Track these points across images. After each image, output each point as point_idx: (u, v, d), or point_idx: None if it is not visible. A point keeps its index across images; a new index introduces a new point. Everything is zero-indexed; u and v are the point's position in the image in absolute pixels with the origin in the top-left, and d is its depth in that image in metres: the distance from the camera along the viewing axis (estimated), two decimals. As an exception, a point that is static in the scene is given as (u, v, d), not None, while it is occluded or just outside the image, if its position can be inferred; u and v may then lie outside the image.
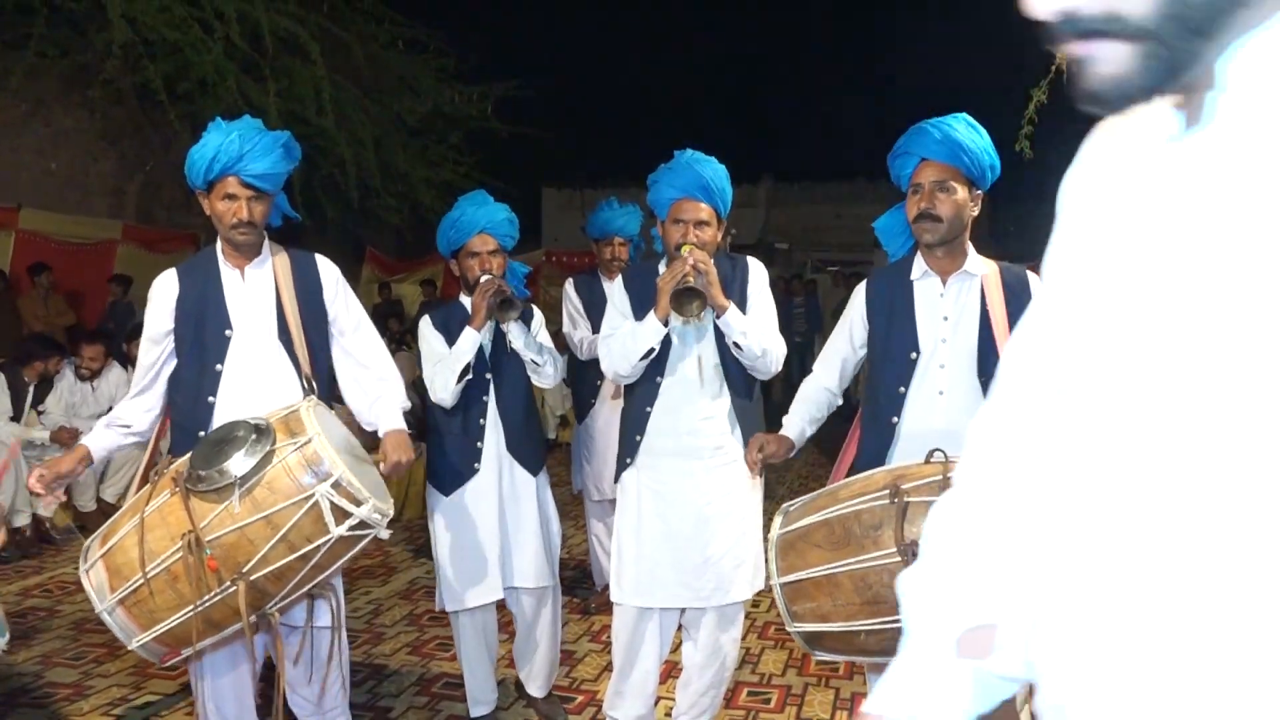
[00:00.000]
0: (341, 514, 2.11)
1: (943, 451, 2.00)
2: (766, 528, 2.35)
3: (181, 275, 2.53)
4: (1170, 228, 0.65)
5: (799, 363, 10.15)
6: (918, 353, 2.40)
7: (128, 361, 6.19)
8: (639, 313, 2.71)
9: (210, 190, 2.45)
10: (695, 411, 2.70)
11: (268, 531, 2.07)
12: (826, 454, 6.40)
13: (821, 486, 2.31)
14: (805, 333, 12.51)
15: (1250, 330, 0.58)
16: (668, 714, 3.08)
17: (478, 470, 3.02)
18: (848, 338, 2.61)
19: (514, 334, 3.03)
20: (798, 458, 3.36)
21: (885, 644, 1.84)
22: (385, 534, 2.24)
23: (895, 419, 2.39)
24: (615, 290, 2.86)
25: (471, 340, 2.93)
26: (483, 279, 2.96)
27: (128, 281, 9.22)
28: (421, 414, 3.51)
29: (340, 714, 2.61)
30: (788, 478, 7.01)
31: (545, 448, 3.24)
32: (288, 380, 2.49)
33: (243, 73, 9.62)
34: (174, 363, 2.53)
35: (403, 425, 2.61)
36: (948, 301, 2.41)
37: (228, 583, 2.08)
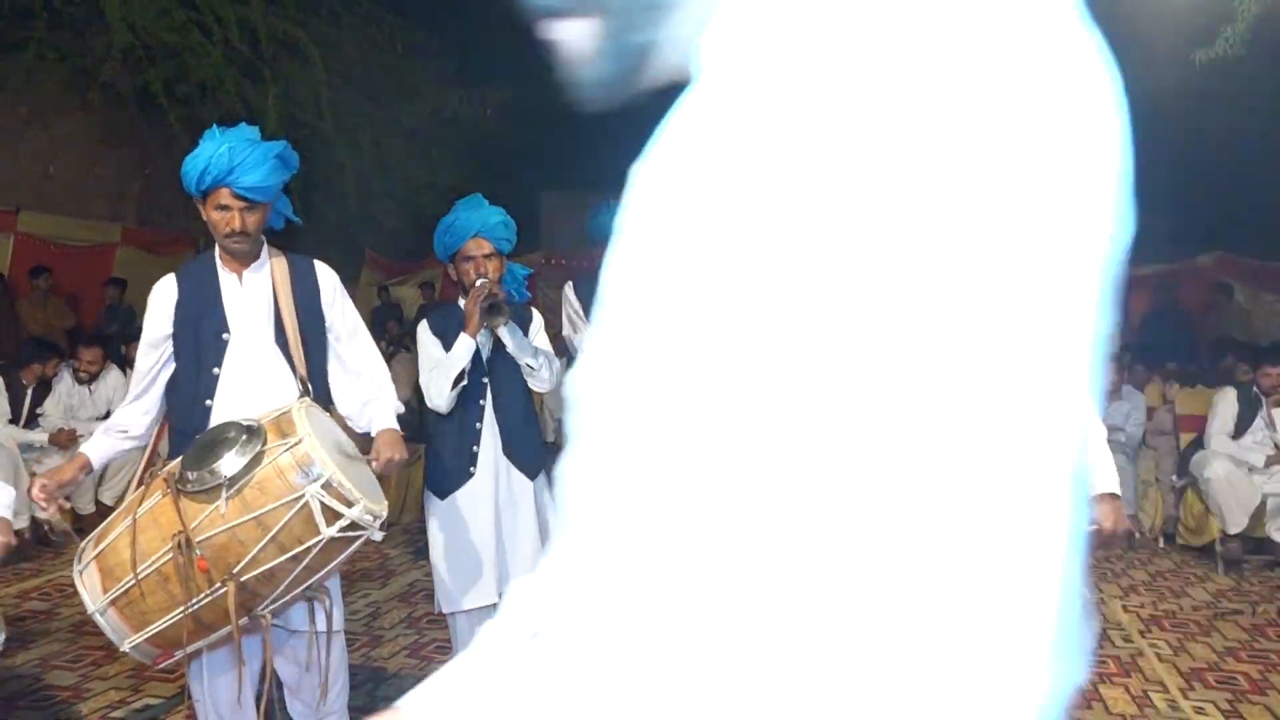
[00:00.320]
0: (332, 515, 2.11)
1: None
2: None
3: (180, 279, 2.54)
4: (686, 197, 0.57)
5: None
6: None
7: (126, 364, 6.20)
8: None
9: (205, 199, 2.45)
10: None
11: (258, 532, 2.07)
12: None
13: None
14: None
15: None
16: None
17: (473, 474, 3.02)
18: None
19: (506, 338, 3.03)
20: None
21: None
22: (378, 536, 2.23)
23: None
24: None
25: (466, 346, 2.92)
26: (476, 283, 2.97)
27: (123, 284, 9.23)
28: (420, 417, 3.50)
29: (339, 718, 2.61)
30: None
31: (544, 451, 3.24)
32: (284, 384, 2.50)
33: (242, 76, 9.62)
34: (172, 367, 2.53)
35: (396, 425, 2.61)
36: None
37: (218, 584, 2.08)
